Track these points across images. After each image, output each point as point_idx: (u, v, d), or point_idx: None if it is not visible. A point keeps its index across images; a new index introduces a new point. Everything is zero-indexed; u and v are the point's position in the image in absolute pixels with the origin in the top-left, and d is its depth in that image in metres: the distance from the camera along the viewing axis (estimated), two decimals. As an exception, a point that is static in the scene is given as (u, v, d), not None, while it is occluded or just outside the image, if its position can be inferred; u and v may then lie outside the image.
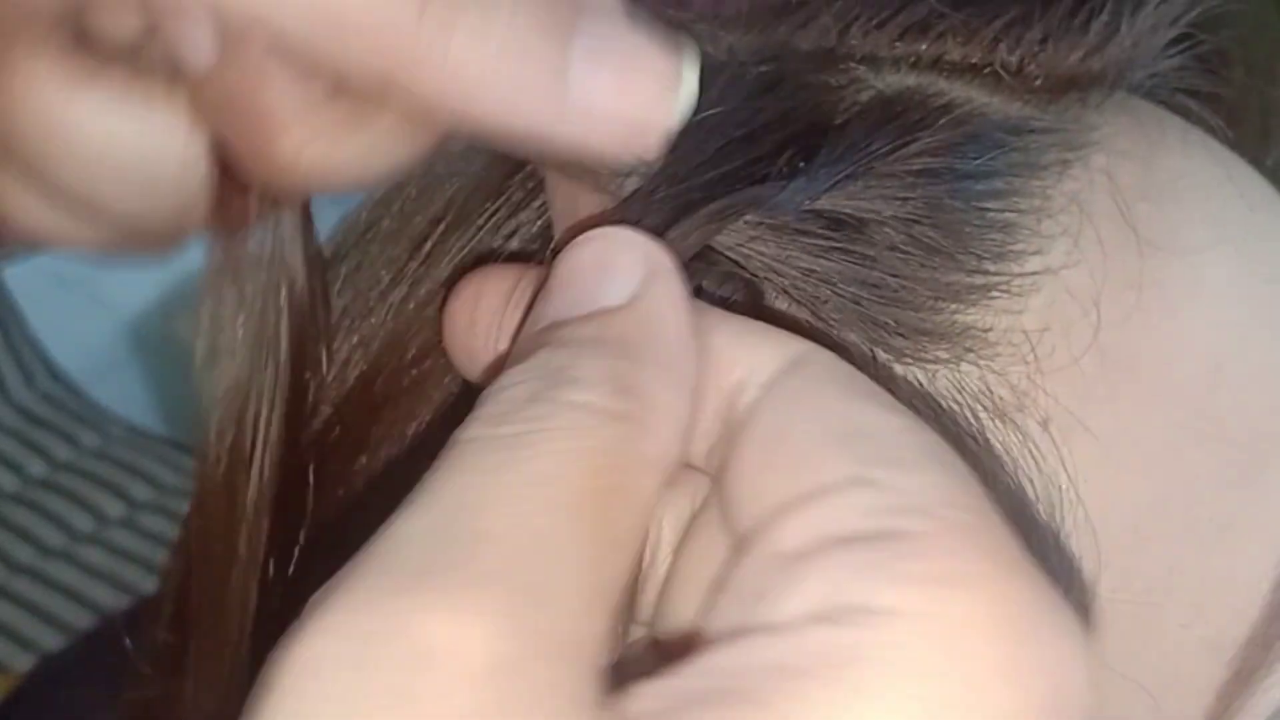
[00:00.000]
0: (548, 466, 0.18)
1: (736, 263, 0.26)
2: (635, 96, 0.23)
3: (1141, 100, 0.31)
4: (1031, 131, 0.28)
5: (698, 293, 0.25)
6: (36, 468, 1.25)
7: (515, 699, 0.16)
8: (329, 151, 0.24)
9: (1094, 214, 0.28)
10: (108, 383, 1.40)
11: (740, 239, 0.26)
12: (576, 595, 0.18)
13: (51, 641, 1.11)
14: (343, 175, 0.24)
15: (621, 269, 0.22)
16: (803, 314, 0.27)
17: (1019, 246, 0.27)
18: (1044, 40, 0.27)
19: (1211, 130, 0.32)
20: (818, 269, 0.26)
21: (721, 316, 0.24)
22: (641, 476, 0.20)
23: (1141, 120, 0.30)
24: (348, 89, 0.23)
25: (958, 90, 0.28)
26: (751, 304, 0.26)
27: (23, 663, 1.09)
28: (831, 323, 0.26)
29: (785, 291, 0.26)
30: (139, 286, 1.46)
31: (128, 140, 0.25)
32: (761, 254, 0.26)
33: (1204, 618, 0.27)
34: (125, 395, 1.42)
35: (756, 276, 0.26)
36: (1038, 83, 0.28)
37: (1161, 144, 0.30)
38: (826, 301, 0.26)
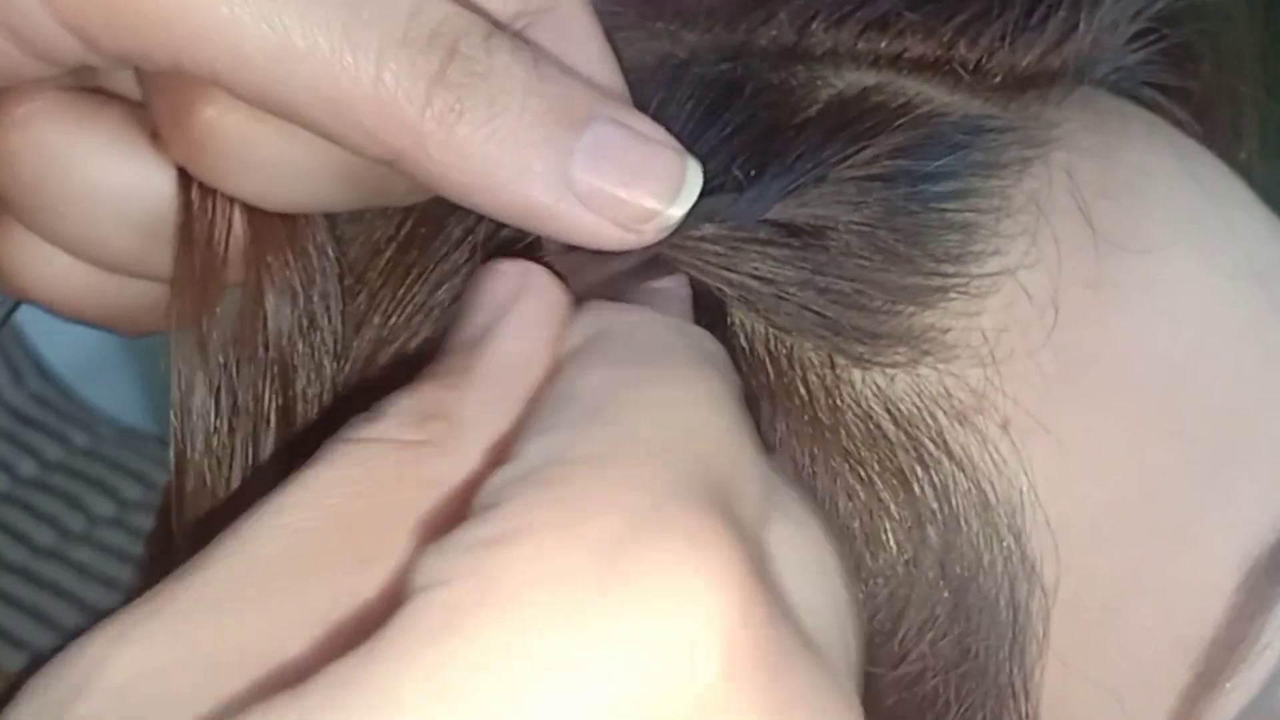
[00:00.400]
0: (299, 497, 0.20)
1: (692, 271, 0.26)
2: (638, 194, 0.24)
3: (1107, 95, 0.30)
4: (991, 131, 0.27)
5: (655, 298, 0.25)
6: (27, 467, 1.25)
7: None
8: (251, 126, 0.24)
9: (1053, 212, 0.27)
10: (98, 382, 1.40)
11: (695, 249, 0.25)
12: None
13: (43, 641, 1.11)
14: (259, 165, 0.24)
15: (484, 300, 0.23)
16: (759, 322, 0.26)
17: (978, 247, 0.27)
18: (1003, 37, 0.27)
19: (1180, 124, 0.32)
20: (773, 277, 0.25)
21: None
22: (408, 493, 0.20)
23: (1104, 116, 0.30)
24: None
25: (917, 88, 0.28)
26: (709, 310, 0.26)
27: (14, 662, 1.09)
28: (787, 330, 0.26)
29: (741, 300, 0.26)
30: (128, 286, 1.46)
31: (125, 179, 0.26)
32: (716, 264, 0.25)
33: (1167, 619, 0.27)
34: (115, 395, 1.42)
35: (713, 285, 0.26)
36: (997, 80, 0.28)
37: (1124, 139, 0.29)
38: (782, 310, 0.26)
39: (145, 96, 0.25)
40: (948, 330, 0.27)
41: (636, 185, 0.23)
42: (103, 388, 1.39)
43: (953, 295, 0.27)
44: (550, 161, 0.23)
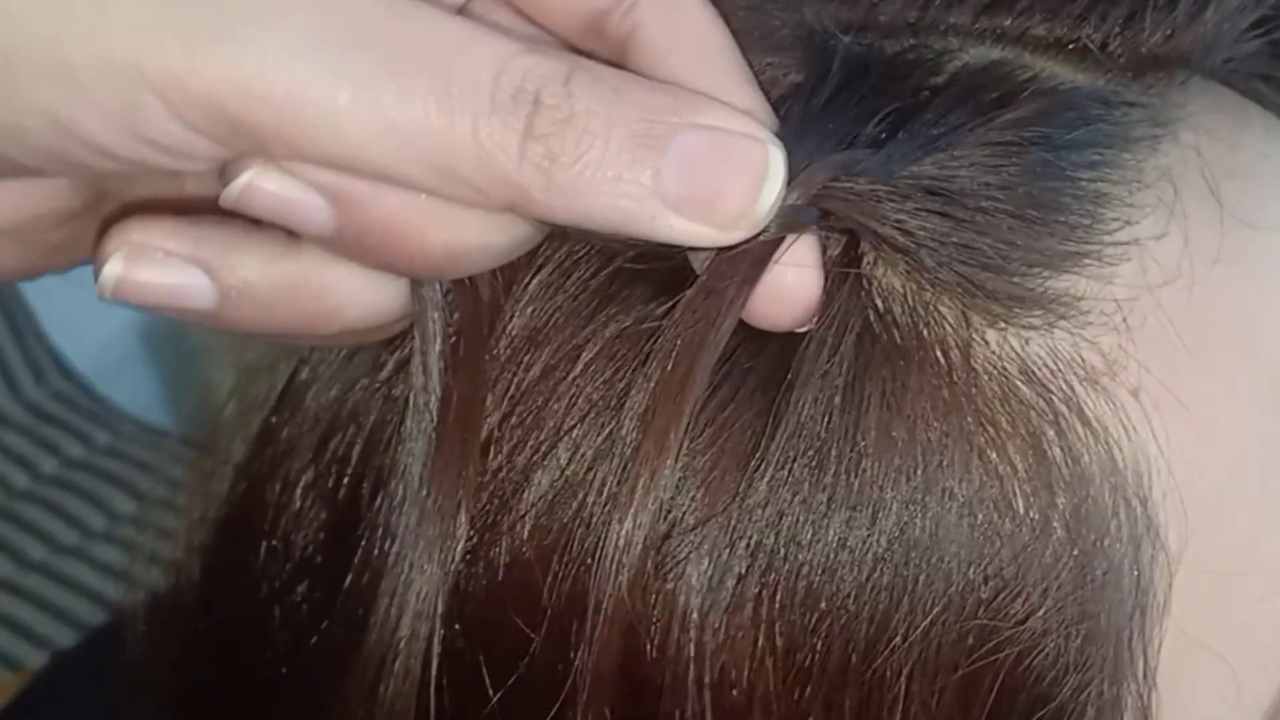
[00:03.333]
0: None
1: (831, 218, 0.27)
2: (725, 199, 0.25)
3: (1219, 86, 0.31)
4: (1121, 105, 0.28)
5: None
6: (48, 465, 1.25)
7: None
8: (477, 232, 0.26)
9: (1184, 188, 0.28)
10: (119, 380, 1.41)
11: (839, 198, 0.26)
12: None
13: (64, 638, 1.11)
14: (502, 246, 0.26)
15: None
16: (898, 279, 0.27)
17: (1111, 216, 0.27)
18: (1129, 18, 0.28)
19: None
20: (915, 230, 0.26)
21: None
22: None
23: (1222, 102, 0.30)
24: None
25: (1043, 65, 0.28)
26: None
27: (35, 660, 1.10)
28: (926, 286, 0.27)
29: (883, 249, 0.27)
30: (149, 284, 1.47)
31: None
32: (860, 214, 0.26)
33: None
34: (137, 393, 1.43)
35: (859, 231, 0.27)
36: (1122, 60, 0.28)
37: (1246, 125, 0.30)
38: (923, 264, 0.26)
39: (351, 240, 0.26)
40: (1081, 297, 0.27)
41: (722, 189, 0.25)
42: (124, 386, 1.40)
43: (1087, 262, 0.27)
44: (639, 183, 0.25)
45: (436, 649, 0.28)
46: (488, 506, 0.28)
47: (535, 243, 0.28)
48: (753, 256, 0.26)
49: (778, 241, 0.26)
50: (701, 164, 0.25)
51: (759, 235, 0.25)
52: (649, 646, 0.27)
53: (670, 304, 0.27)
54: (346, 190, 0.25)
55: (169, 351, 1.48)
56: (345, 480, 0.31)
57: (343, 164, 0.24)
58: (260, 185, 0.25)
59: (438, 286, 0.28)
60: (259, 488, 0.33)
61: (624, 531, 0.26)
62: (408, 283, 0.28)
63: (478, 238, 0.26)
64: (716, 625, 0.27)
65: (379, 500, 0.29)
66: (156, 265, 0.26)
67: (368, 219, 0.25)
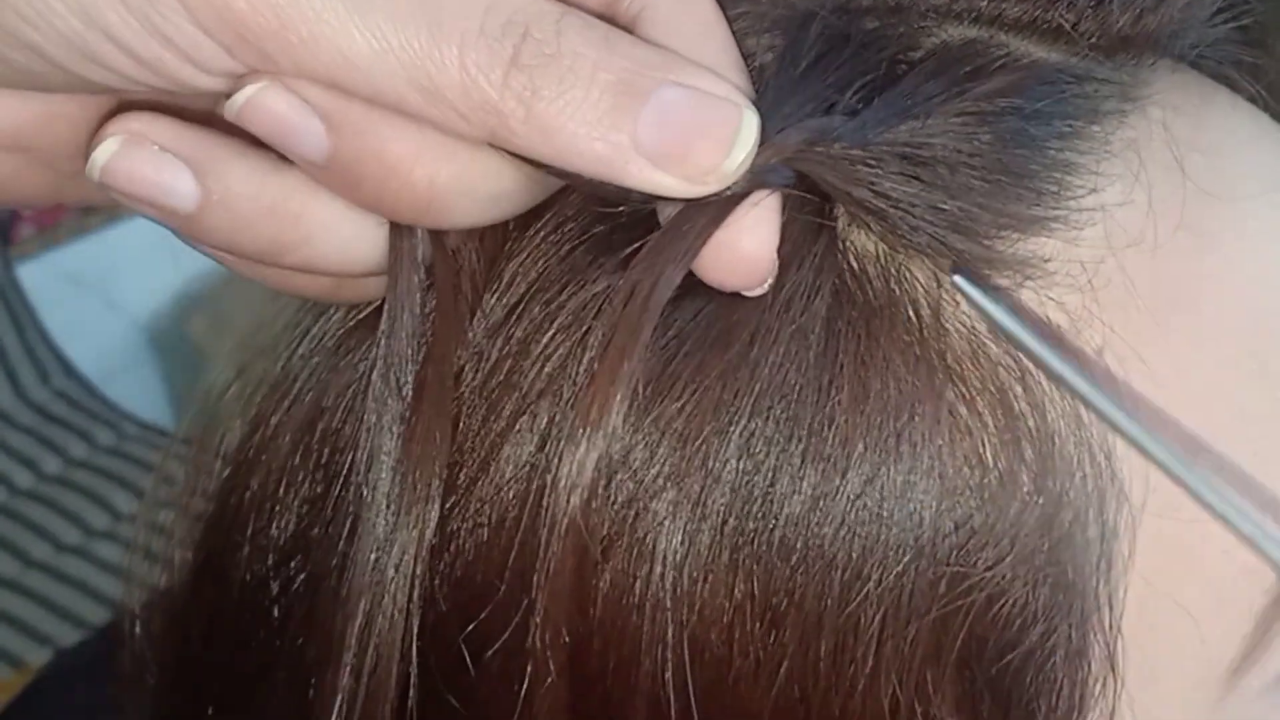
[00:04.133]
0: None
1: (806, 181, 0.27)
2: (696, 152, 0.26)
3: (1189, 69, 0.32)
4: (1092, 80, 0.29)
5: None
6: (51, 465, 1.26)
7: None
8: (462, 172, 0.27)
9: (1149, 159, 0.29)
10: (122, 381, 1.42)
11: (816, 162, 0.27)
12: None
13: (67, 636, 1.12)
14: (485, 194, 0.27)
15: None
16: (871, 241, 0.28)
17: (1078, 183, 0.28)
18: (1099, 1, 0.29)
19: (1252, 99, 0.33)
20: (890, 193, 0.27)
21: None
22: None
23: (1190, 83, 0.31)
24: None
25: (1016, 43, 0.29)
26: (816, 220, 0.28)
27: (38, 657, 1.10)
28: (899, 249, 0.28)
29: (856, 211, 0.28)
30: (153, 286, 1.47)
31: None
32: (836, 177, 0.27)
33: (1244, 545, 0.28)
34: (139, 393, 1.44)
35: (834, 194, 0.27)
36: (1093, 40, 0.29)
37: (1211, 104, 0.31)
38: (897, 226, 0.27)
39: (340, 169, 0.27)
40: (1048, 259, 0.28)
41: (695, 144, 0.26)
42: (127, 386, 1.40)
43: (1054, 225, 0.28)
44: (618, 129, 0.25)
45: (415, 611, 0.29)
46: (464, 470, 0.29)
47: (517, 206, 0.28)
48: (713, 210, 0.26)
49: (741, 199, 0.26)
50: (678, 118, 0.26)
51: (725, 192, 0.26)
52: (626, 597, 0.28)
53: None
54: (344, 116, 0.26)
55: (172, 352, 1.49)
56: (328, 457, 0.32)
57: (338, 79, 0.25)
58: (263, 100, 0.26)
59: (418, 241, 0.29)
60: (247, 474, 0.34)
61: (576, 458, 0.26)
62: (384, 234, 0.28)
63: (463, 180, 0.27)
64: (694, 575, 0.27)
65: (358, 468, 0.30)
66: (148, 156, 0.26)
67: (360, 148, 0.26)
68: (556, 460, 0.27)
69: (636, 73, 0.26)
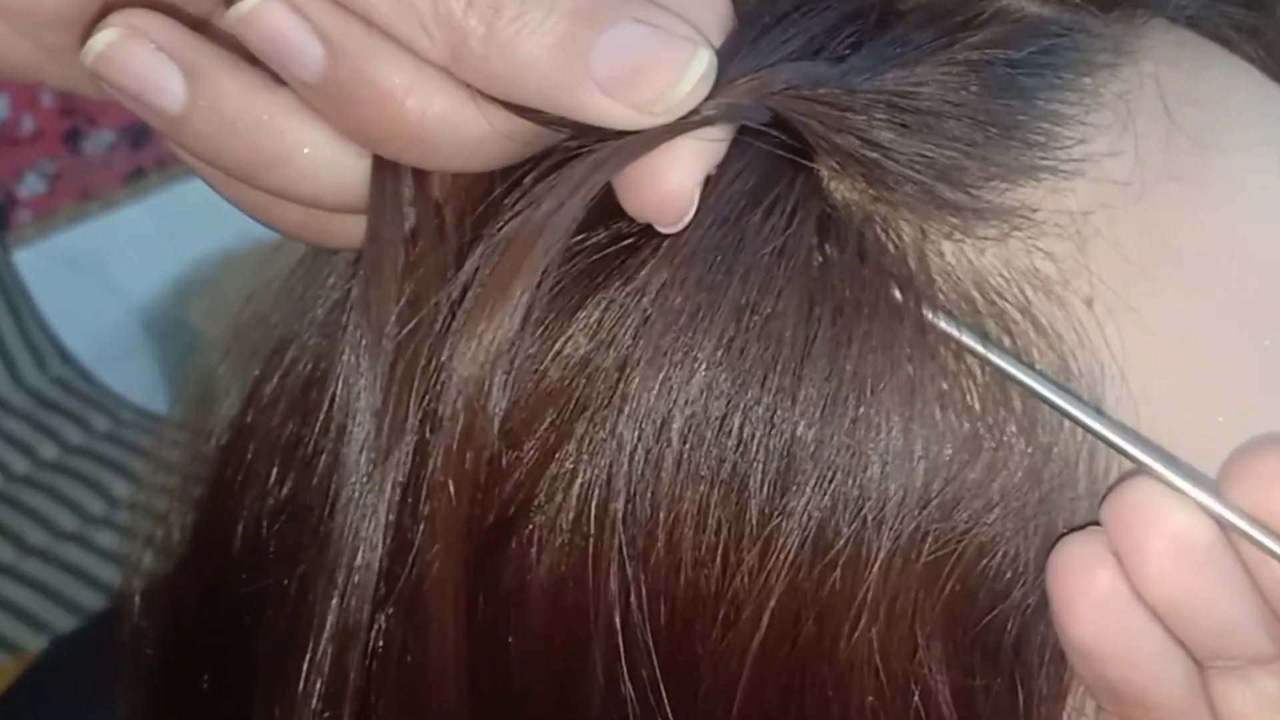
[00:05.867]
0: None
1: (789, 126, 0.27)
2: (645, 80, 0.26)
3: (1184, 28, 0.32)
4: (1084, 33, 0.29)
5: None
6: (48, 451, 1.26)
7: None
8: (452, 109, 0.27)
9: (1140, 111, 0.29)
10: (119, 367, 1.41)
11: (802, 109, 0.27)
12: None
13: (63, 622, 1.12)
14: (471, 135, 0.27)
15: None
16: (856, 191, 0.28)
17: (1067, 134, 0.28)
18: None
19: (1250, 60, 0.33)
20: (877, 142, 0.27)
21: None
22: None
23: (1185, 39, 0.31)
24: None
25: None
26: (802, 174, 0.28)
27: (35, 643, 1.10)
28: (884, 199, 0.27)
29: (840, 159, 0.27)
30: (151, 272, 1.47)
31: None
32: (823, 125, 0.27)
33: None
34: (136, 379, 1.43)
35: (819, 145, 0.27)
36: None
37: (1205, 60, 0.31)
38: (883, 176, 0.27)
39: (333, 91, 0.27)
40: (1036, 208, 0.28)
41: (645, 74, 0.26)
42: (124, 372, 1.40)
43: (1043, 175, 0.28)
44: (572, 54, 0.26)
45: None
46: (435, 414, 0.29)
47: (500, 156, 0.28)
48: (645, 136, 0.26)
49: (683, 130, 0.26)
50: (631, 47, 0.26)
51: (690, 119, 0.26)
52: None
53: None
54: (342, 37, 0.26)
55: (170, 339, 1.48)
56: (322, 423, 0.31)
57: None
58: (265, 13, 0.26)
59: (403, 185, 0.29)
60: (242, 445, 0.34)
61: (469, 355, 0.27)
62: (363, 167, 0.28)
63: (453, 116, 0.26)
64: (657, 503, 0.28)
65: (336, 412, 0.30)
66: (145, 53, 0.27)
67: (357, 71, 0.26)
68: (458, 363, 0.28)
69: (599, 3, 0.26)
